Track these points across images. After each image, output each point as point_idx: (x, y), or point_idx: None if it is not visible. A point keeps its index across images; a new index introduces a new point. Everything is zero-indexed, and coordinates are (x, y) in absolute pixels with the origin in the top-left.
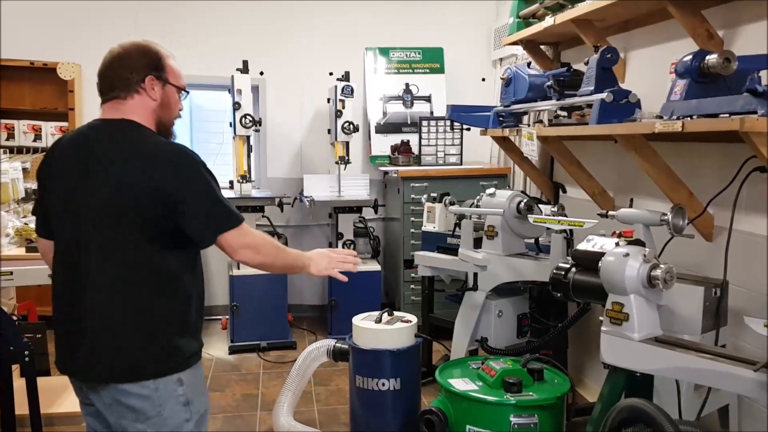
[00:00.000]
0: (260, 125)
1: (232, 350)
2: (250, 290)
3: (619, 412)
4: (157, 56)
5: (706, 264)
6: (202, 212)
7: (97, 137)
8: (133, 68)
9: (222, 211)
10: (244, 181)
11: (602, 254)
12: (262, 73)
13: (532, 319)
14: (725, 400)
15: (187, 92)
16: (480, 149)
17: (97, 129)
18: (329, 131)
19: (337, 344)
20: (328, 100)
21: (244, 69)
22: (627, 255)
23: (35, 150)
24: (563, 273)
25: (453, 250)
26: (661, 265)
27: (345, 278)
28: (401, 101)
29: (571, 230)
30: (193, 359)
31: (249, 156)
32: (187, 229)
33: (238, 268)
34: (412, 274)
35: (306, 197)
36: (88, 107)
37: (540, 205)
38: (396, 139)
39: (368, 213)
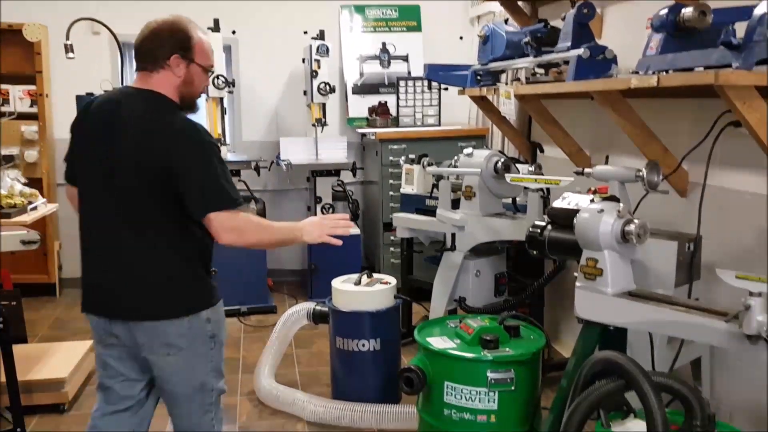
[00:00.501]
0: (234, 86)
1: None
2: (228, 256)
3: (593, 364)
4: (186, 36)
5: (681, 219)
6: (198, 187)
7: (127, 106)
8: (161, 46)
9: (217, 191)
10: (219, 144)
11: (577, 211)
12: (234, 32)
13: (510, 278)
14: (697, 352)
15: (213, 71)
16: (458, 110)
17: (128, 97)
18: (305, 92)
19: (317, 307)
20: (303, 60)
21: (215, 28)
22: (601, 211)
23: (3, 114)
24: (539, 231)
25: (431, 212)
26: (635, 221)
27: (339, 242)
28: (378, 61)
29: (547, 189)
30: (215, 298)
31: (223, 118)
32: (184, 199)
33: None
34: (392, 237)
35: (283, 161)
36: (56, 69)
37: (517, 165)
38: (373, 100)
39: (347, 176)
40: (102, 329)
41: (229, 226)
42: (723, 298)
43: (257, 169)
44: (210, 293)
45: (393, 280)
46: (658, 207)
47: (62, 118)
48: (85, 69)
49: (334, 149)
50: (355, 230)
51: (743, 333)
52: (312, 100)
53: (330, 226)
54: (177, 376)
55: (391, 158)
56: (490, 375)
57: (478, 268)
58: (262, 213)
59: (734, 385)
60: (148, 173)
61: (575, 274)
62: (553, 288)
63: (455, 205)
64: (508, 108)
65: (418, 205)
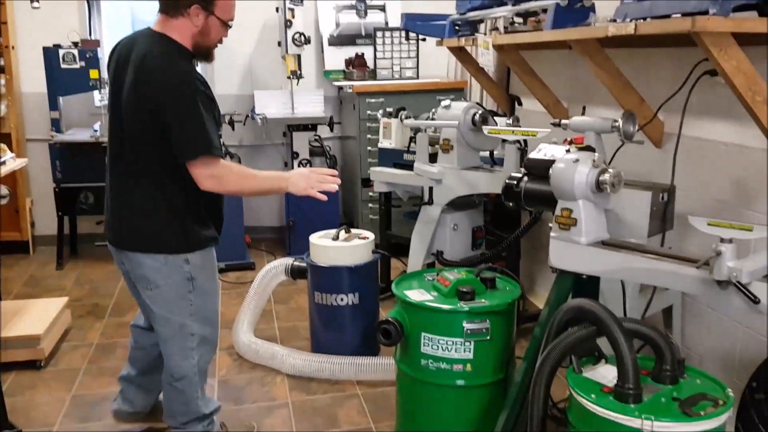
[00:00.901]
0: None
1: None
2: None
3: (566, 312)
4: None
5: (656, 171)
6: (178, 132)
7: (137, 47)
8: None
9: (195, 138)
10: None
11: (553, 161)
12: None
13: (487, 232)
14: (669, 300)
15: (230, 25)
16: (437, 63)
17: (142, 38)
18: (279, 44)
19: (295, 262)
20: (277, 9)
21: None
22: (577, 161)
23: None
24: (515, 182)
25: (409, 167)
26: (610, 170)
27: (324, 197)
28: (354, 11)
29: (525, 141)
30: (200, 245)
31: None
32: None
33: None
34: (370, 193)
35: (258, 115)
36: (22, 20)
37: (495, 118)
38: (350, 51)
39: (324, 131)
40: (114, 255)
41: (208, 173)
42: (695, 248)
43: (231, 123)
44: (196, 239)
45: (371, 236)
46: (633, 158)
47: (30, 70)
48: (52, 20)
49: (311, 103)
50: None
51: (714, 279)
52: (287, 51)
53: (317, 180)
54: (157, 312)
55: (368, 112)
56: (466, 326)
57: (455, 222)
58: None
59: (704, 333)
60: (141, 116)
61: (550, 225)
62: (529, 241)
63: (433, 159)
64: (487, 59)
65: (396, 159)
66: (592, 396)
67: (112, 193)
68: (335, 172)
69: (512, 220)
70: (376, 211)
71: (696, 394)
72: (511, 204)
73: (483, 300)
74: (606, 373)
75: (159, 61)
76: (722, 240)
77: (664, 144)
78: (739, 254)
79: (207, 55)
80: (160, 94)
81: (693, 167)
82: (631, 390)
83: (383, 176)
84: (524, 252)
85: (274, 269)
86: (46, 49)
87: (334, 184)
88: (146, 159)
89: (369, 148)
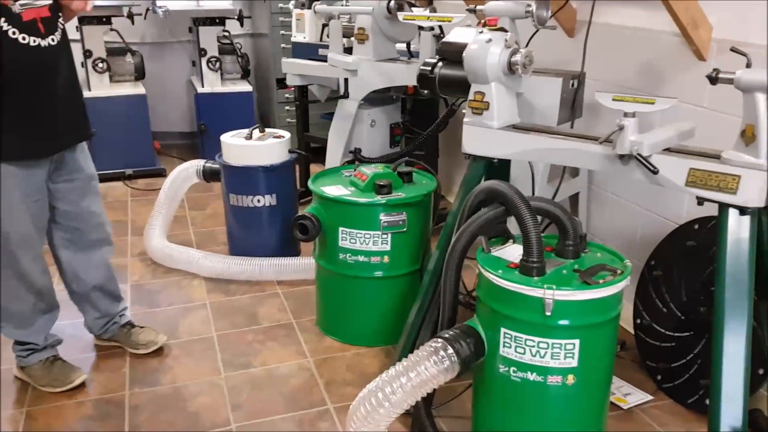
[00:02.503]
0: None
1: None
2: (106, 114)
3: (477, 195)
4: None
5: (568, 60)
6: None
7: None
8: None
9: None
10: None
11: (466, 45)
12: None
13: (406, 130)
14: (576, 188)
15: None
16: None
17: None
18: None
19: (207, 163)
20: None
21: None
22: (489, 41)
23: None
24: (430, 68)
25: (324, 61)
26: (521, 50)
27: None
28: None
29: (441, 28)
30: None
31: None
32: None
33: (89, 90)
34: (286, 95)
35: (160, 7)
36: None
37: (413, 9)
38: None
39: (233, 27)
40: None
41: None
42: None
43: (131, 16)
44: None
45: (287, 134)
46: (546, 47)
47: None
48: None
49: None
50: (247, 87)
51: (616, 153)
52: None
53: None
54: None
55: (280, 5)
56: (383, 218)
57: (372, 118)
58: (140, 68)
59: (608, 217)
60: None
61: (464, 110)
62: (447, 140)
63: (349, 52)
64: None
65: (311, 54)
66: (499, 271)
67: None
68: None
69: (430, 117)
70: (293, 114)
71: (596, 265)
72: (426, 91)
73: (400, 193)
74: (513, 252)
75: None
76: (626, 114)
77: (577, 33)
78: (641, 131)
79: None
80: None
81: (603, 54)
82: (535, 263)
83: (296, 68)
84: (443, 151)
85: (185, 171)
86: None
87: None
88: None
89: (283, 45)
